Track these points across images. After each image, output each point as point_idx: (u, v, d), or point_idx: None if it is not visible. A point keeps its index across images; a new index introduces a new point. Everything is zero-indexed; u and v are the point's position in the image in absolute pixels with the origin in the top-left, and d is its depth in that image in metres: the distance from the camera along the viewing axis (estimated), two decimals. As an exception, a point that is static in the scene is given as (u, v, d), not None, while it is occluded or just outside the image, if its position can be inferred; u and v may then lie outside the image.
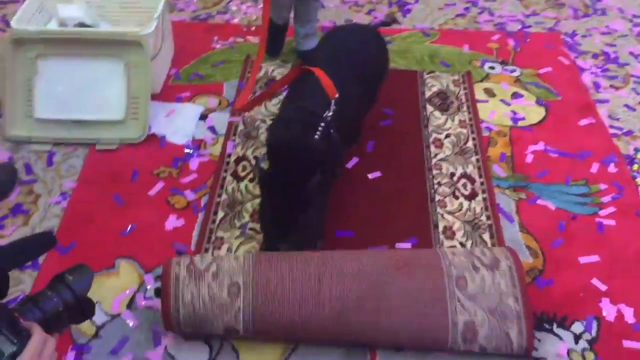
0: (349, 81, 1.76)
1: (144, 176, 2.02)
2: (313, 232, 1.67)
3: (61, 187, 1.98)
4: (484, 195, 1.96)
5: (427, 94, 2.34)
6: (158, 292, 1.55)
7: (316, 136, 1.62)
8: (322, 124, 1.63)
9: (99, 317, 1.61)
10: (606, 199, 1.98)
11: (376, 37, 2.04)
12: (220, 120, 2.24)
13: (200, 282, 1.46)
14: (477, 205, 1.92)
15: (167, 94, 2.32)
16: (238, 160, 2.04)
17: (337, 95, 1.67)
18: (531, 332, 1.46)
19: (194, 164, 2.07)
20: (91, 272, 1.12)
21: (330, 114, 1.65)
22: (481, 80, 2.45)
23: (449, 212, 1.89)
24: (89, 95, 2.13)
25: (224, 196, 1.91)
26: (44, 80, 2.14)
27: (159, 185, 1.99)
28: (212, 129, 2.20)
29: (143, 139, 2.12)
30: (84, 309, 1.10)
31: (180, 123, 2.20)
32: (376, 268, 1.50)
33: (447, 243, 1.79)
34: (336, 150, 1.71)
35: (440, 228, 1.84)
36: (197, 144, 2.14)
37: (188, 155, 2.08)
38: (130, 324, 1.61)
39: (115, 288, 1.69)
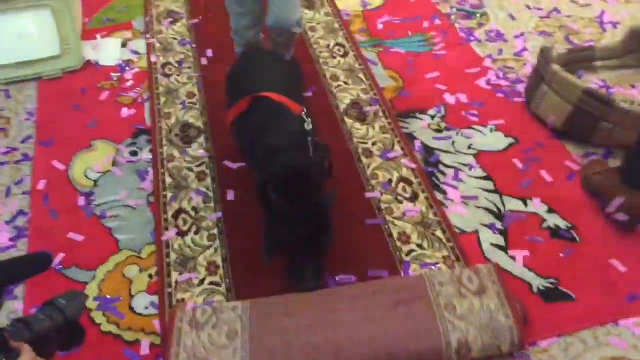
0: (292, 91, 1.81)
1: (92, 90, 2.52)
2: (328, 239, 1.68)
3: (25, 109, 2.44)
4: (354, 53, 2.66)
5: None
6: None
7: (311, 152, 1.64)
8: (309, 139, 1.65)
9: (92, 174, 2.12)
10: (437, 39, 2.76)
11: (267, 52, 2.18)
12: (138, 44, 2.78)
13: (200, 332, 1.56)
14: (350, 59, 2.62)
15: (88, 34, 2.82)
16: (176, 214, 1.96)
17: (304, 109, 1.72)
18: (523, 339, 1.54)
19: (128, 75, 2.60)
20: (83, 298, 1.17)
21: (310, 127, 1.68)
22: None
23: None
24: (26, 40, 2.58)
25: (172, 255, 1.84)
26: (-15, 34, 2.56)
27: (106, 92, 2.50)
28: (134, 51, 2.74)
29: (81, 66, 2.61)
30: (74, 333, 1.14)
31: (107, 51, 2.71)
32: (370, 312, 1.56)
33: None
34: (326, 151, 1.77)
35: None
36: (126, 62, 2.67)
37: (121, 68, 2.60)
38: (118, 174, 2.14)
39: (97, 157, 2.20)
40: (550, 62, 2.20)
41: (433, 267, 1.77)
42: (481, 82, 2.49)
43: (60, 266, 1.82)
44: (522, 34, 2.76)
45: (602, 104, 2.06)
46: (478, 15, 2.91)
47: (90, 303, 1.73)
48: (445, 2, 3.02)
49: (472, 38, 2.75)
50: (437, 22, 2.87)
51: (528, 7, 2.97)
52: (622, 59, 2.50)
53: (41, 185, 2.09)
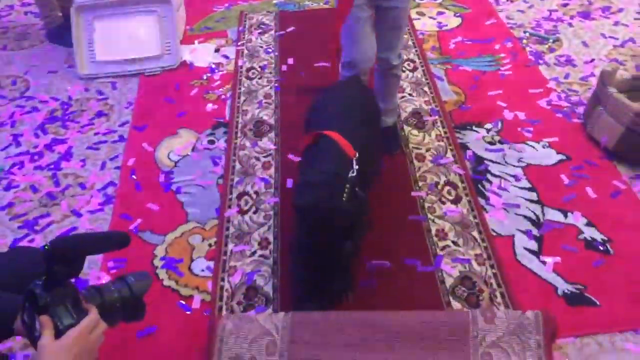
0: (359, 135, 1.77)
1: (184, 86, 2.85)
2: (345, 287, 1.75)
3: (127, 98, 2.80)
4: (422, 68, 2.84)
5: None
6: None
7: (344, 198, 1.61)
8: (348, 186, 1.62)
9: (174, 157, 2.41)
10: (505, 61, 2.88)
11: (360, 85, 2.08)
12: (229, 51, 3.10)
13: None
14: (418, 74, 2.80)
15: (188, 40, 3.17)
16: (240, 196, 2.19)
17: (357, 155, 1.69)
18: None
19: (217, 76, 2.91)
20: (150, 279, 1.26)
21: (354, 174, 1.65)
22: (413, 8, 3.35)
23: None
24: (134, 41, 2.96)
25: (232, 229, 2.07)
26: (101, 34, 2.97)
27: (195, 90, 2.82)
28: (225, 56, 3.06)
29: (177, 65, 2.95)
30: (137, 308, 1.24)
31: (201, 54, 3.05)
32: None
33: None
34: (364, 208, 1.73)
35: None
36: (217, 65, 2.99)
37: (212, 70, 2.93)
38: (195, 158, 2.43)
39: (180, 143, 2.51)
40: (608, 85, 2.28)
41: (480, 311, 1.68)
42: (542, 103, 2.58)
43: (137, 229, 2.11)
44: (592, 60, 2.83)
45: (654, 126, 2.11)
46: (550, 40, 3.00)
47: (157, 262, 2.00)
48: (520, 27, 3.13)
49: (541, 61, 2.85)
50: (509, 45, 2.98)
51: (604, 35, 3.02)
52: (690, 89, 2.50)
53: (131, 162, 2.41)
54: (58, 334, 1.11)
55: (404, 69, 2.82)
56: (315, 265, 1.62)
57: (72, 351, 1.10)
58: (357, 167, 1.66)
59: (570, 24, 3.13)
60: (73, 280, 1.12)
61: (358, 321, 1.63)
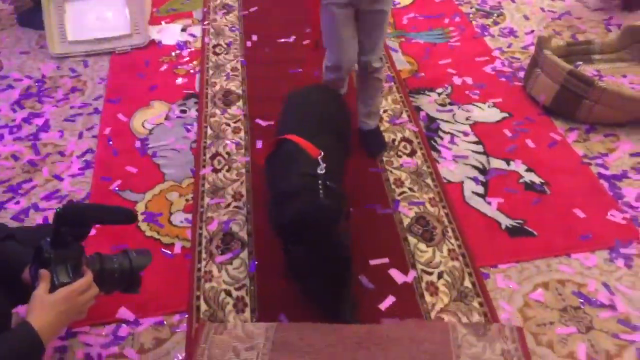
0: (322, 136, 1.80)
1: (154, 63, 3.00)
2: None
3: (99, 75, 2.94)
4: (378, 41, 3.05)
5: None
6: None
7: (321, 195, 1.62)
8: (320, 182, 1.63)
9: (148, 125, 2.57)
10: (454, 34, 3.11)
11: (329, 92, 2.11)
12: (196, 30, 3.26)
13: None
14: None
15: (155, 20, 3.32)
16: (213, 157, 2.36)
17: (321, 153, 1.69)
18: None
19: (185, 53, 3.07)
20: (150, 257, 1.36)
21: (323, 172, 1.66)
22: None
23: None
24: (103, 21, 3.10)
25: (207, 185, 2.22)
26: (72, 16, 3.09)
27: (165, 66, 2.98)
28: (191, 35, 3.22)
29: (146, 44, 3.10)
30: (134, 281, 1.33)
31: (169, 33, 3.20)
32: None
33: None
34: (341, 197, 1.74)
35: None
36: (184, 43, 3.15)
37: (180, 47, 3.09)
38: (169, 126, 2.59)
39: (154, 113, 2.66)
40: (543, 49, 2.53)
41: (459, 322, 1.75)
42: (487, 69, 2.82)
43: (117, 189, 2.27)
44: (532, 31, 3.09)
45: (584, 83, 2.37)
46: (495, 15, 3.25)
47: (139, 216, 2.16)
48: (467, 3, 3.38)
49: (486, 33, 3.10)
50: (457, 19, 3.23)
51: (542, 9, 3.29)
52: (618, 54, 2.79)
53: (107, 131, 2.56)
54: (52, 288, 1.22)
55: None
56: (326, 273, 1.58)
57: (59, 307, 1.21)
58: (324, 164, 1.67)
59: (513, 1, 3.39)
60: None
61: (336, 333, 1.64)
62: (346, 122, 2.05)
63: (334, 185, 1.68)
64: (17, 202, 2.23)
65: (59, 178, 2.33)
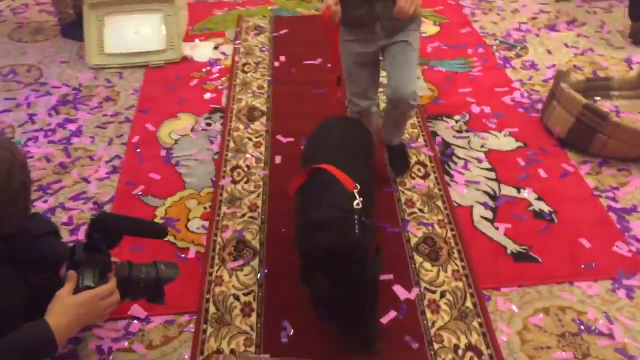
0: (356, 168, 1.78)
1: (185, 78, 3.14)
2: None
3: (132, 86, 3.09)
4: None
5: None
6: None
7: (356, 230, 1.60)
8: (356, 217, 1.62)
9: (175, 136, 2.70)
10: (476, 64, 3.19)
11: (357, 123, 2.12)
12: (227, 48, 3.40)
13: None
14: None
15: (189, 38, 3.48)
16: (233, 169, 2.46)
17: (357, 187, 1.67)
18: None
19: (215, 69, 3.21)
20: (178, 272, 1.40)
21: (360, 206, 1.64)
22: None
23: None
24: (140, 36, 3.26)
25: (225, 194, 2.32)
26: (110, 29, 3.26)
27: (195, 81, 3.11)
28: (223, 53, 3.36)
29: (179, 60, 3.25)
30: (158, 293, 1.39)
31: (201, 50, 3.35)
32: None
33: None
34: (374, 231, 1.76)
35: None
36: (215, 61, 3.29)
37: (210, 64, 3.22)
38: (194, 137, 2.71)
39: (180, 124, 2.79)
40: (561, 82, 2.59)
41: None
42: (506, 99, 2.89)
43: (140, 194, 2.38)
44: (554, 65, 3.14)
45: (598, 117, 2.41)
46: (518, 48, 3.32)
47: (158, 220, 2.26)
48: (492, 36, 3.46)
49: (508, 65, 3.17)
50: (481, 50, 3.30)
51: (566, 45, 3.35)
52: (637, 91, 2.83)
53: (135, 139, 2.68)
54: (76, 290, 1.28)
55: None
56: (354, 304, 1.58)
57: (78, 309, 1.27)
58: (360, 198, 1.65)
59: (537, 35, 3.46)
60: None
61: None
62: (373, 154, 2.11)
63: (368, 220, 1.67)
64: (45, 201, 2.35)
65: (86, 181, 2.45)
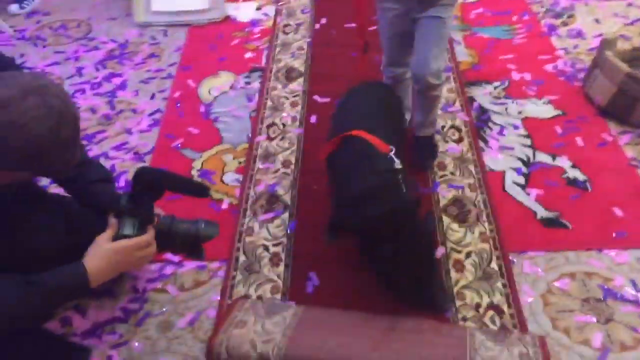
0: (386, 130, 1.77)
1: (226, 37, 3.19)
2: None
3: (176, 44, 3.16)
4: (442, 33, 3.11)
5: None
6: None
7: (404, 189, 1.60)
8: (400, 177, 1.62)
9: (214, 92, 2.75)
10: (520, 31, 3.13)
11: (385, 88, 2.10)
12: (270, 10, 3.43)
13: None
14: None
15: (232, -1, 3.53)
16: (269, 126, 2.51)
17: (392, 149, 1.66)
18: None
19: (256, 30, 3.24)
20: (217, 232, 1.42)
21: (400, 166, 1.64)
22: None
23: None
24: (185, -4, 3.32)
25: (260, 150, 2.38)
26: (157, -13, 3.33)
27: (236, 40, 3.16)
28: (265, 14, 3.39)
29: (222, 19, 3.30)
30: (196, 249, 1.43)
31: (244, 10, 3.39)
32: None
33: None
34: (416, 189, 1.83)
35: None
36: (257, 21, 3.32)
37: (252, 24, 3.26)
38: (232, 95, 2.76)
39: (220, 82, 2.84)
40: (605, 50, 2.53)
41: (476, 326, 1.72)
42: (548, 67, 2.84)
43: (179, 146, 2.46)
44: (601, 34, 3.06)
45: (641, 86, 2.35)
46: (565, 16, 3.24)
47: (194, 172, 2.34)
48: (538, 3, 3.38)
49: (553, 33, 3.10)
50: (526, 17, 3.24)
51: (616, 14, 3.25)
52: (686, 62, 2.73)
53: (177, 94, 2.76)
54: (115, 238, 1.32)
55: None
56: (419, 264, 1.59)
57: (114, 256, 1.30)
58: (398, 159, 1.65)
59: (586, 3, 3.36)
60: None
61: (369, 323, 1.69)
62: (403, 118, 2.10)
63: (412, 180, 1.68)
64: (90, 150, 2.45)
65: (129, 132, 2.54)
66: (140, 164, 2.38)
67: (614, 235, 2.01)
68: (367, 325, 1.66)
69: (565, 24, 3.18)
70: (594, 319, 1.77)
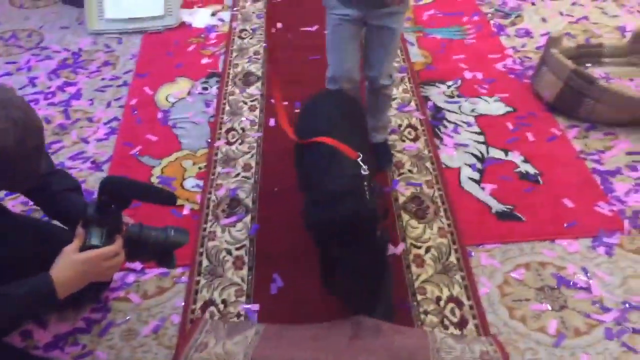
0: (352, 137, 1.79)
1: (182, 43, 3.18)
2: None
3: (131, 51, 3.14)
4: (396, 35, 3.18)
5: None
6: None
7: (367, 196, 1.62)
8: (365, 184, 1.64)
9: (172, 99, 2.75)
10: (471, 31, 3.22)
11: (343, 94, 2.04)
12: (225, 15, 3.43)
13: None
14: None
15: (187, 4, 3.50)
16: (228, 131, 2.53)
17: (360, 155, 1.69)
18: None
19: (212, 35, 3.25)
20: (187, 239, 1.40)
21: (367, 172, 1.66)
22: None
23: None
24: (139, 2, 3.30)
25: (219, 155, 2.40)
26: (109, -5, 3.31)
27: (193, 46, 3.16)
28: (220, 19, 3.40)
29: (177, 25, 3.29)
30: (167, 257, 1.40)
31: (199, 16, 3.39)
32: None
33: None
34: (381, 196, 1.85)
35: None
36: (213, 27, 3.32)
37: (208, 30, 3.26)
38: (190, 101, 2.76)
39: (177, 88, 2.84)
40: (551, 48, 2.62)
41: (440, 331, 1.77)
42: (499, 66, 2.93)
43: (137, 154, 2.44)
44: (547, 33, 3.16)
45: (586, 81, 2.46)
46: (513, 16, 3.35)
47: (154, 179, 2.33)
48: (488, 4, 3.48)
49: (502, 33, 3.20)
50: (476, 18, 3.33)
51: (561, 13, 3.37)
52: (628, 58, 2.86)
53: (133, 102, 2.74)
54: (82, 248, 1.29)
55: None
56: (369, 273, 1.60)
57: (81, 267, 1.28)
58: (366, 165, 1.67)
59: (533, 3, 3.48)
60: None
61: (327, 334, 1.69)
62: (367, 127, 2.11)
63: (374, 185, 1.71)
64: (46, 160, 2.41)
65: (85, 141, 2.52)
66: (99, 173, 2.36)
67: (565, 225, 2.09)
68: (330, 337, 1.67)
69: (513, 23, 3.28)
70: (549, 307, 1.83)
